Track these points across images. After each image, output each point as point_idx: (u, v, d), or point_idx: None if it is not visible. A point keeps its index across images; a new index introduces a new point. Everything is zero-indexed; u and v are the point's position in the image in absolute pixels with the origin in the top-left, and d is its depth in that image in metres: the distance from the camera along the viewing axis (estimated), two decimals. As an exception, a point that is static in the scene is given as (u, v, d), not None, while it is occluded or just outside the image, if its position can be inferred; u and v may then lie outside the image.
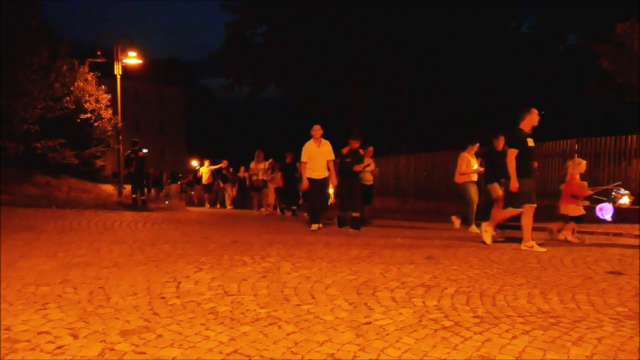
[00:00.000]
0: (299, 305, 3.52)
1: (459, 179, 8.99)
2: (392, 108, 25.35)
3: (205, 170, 17.86)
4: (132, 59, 15.65)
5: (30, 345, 2.70)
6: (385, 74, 23.16)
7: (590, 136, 11.12)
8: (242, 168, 17.24)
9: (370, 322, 3.14)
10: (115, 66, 15.09)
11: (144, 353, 2.61)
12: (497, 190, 8.68)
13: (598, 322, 3.20)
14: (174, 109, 52.64)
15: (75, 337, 2.83)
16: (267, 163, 13.16)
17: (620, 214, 9.65)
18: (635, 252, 5.93)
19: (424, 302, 3.62)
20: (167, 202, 20.45)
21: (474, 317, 3.28)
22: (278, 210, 13.70)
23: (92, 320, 3.12)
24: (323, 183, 8.21)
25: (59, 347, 2.68)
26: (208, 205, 18.16)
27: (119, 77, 15.07)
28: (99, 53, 15.63)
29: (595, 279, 4.50)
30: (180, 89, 53.73)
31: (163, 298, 3.66)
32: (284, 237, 7.42)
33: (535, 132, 6.51)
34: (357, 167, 8.93)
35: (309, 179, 8.37)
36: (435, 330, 3.01)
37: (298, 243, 6.60)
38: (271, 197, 13.33)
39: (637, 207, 9.12)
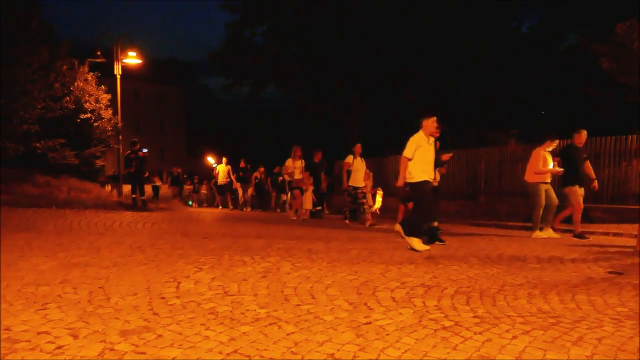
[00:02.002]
0: (299, 305, 3.52)
1: (532, 177, 7.79)
2: (392, 108, 25.35)
3: (223, 169, 16.45)
4: (132, 59, 15.65)
5: (30, 345, 2.70)
6: (386, 74, 23.17)
7: (590, 136, 11.10)
8: (262, 168, 16.00)
9: (370, 322, 3.14)
10: (115, 66, 15.10)
11: (144, 353, 2.61)
12: (578, 194, 7.71)
13: (598, 322, 3.20)
14: (174, 109, 52.64)
15: (75, 337, 2.83)
16: (303, 161, 11.67)
17: (621, 214, 9.66)
18: (635, 252, 5.93)
19: (424, 302, 3.62)
20: (190, 203, 19.92)
21: (474, 317, 3.28)
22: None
23: (92, 320, 3.12)
24: (435, 189, 6.52)
25: (59, 347, 2.68)
26: (226, 207, 16.78)
27: (119, 77, 15.08)
28: (99, 53, 15.63)
29: (595, 279, 4.50)
30: (180, 89, 53.74)
31: (163, 298, 3.66)
32: (284, 237, 7.42)
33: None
34: (446, 157, 7.61)
35: (419, 183, 6.23)
36: (435, 330, 3.01)
37: (298, 243, 6.61)
38: (309, 200, 12.07)
39: (637, 207, 9.11)
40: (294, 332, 2.94)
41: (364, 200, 10.03)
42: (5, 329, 2.93)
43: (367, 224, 9.78)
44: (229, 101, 47.61)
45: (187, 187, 21.62)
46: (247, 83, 26.96)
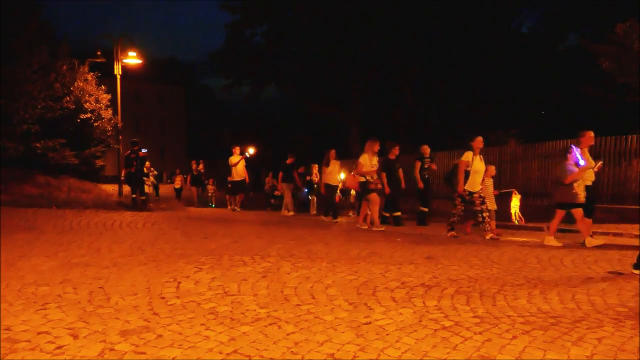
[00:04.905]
0: (299, 305, 3.52)
1: None
2: (392, 108, 25.37)
3: (241, 163, 13.46)
4: (132, 59, 15.63)
5: (30, 345, 2.70)
6: (386, 74, 23.20)
7: None
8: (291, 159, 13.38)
9: (370, 322, 3.14)
10: (115, 66, 15.09)
11: (144, 353, 2.61)
12: None
13: (598, 322, 3.20)
14: (174, 109, 52.63)
15: (75, 337, 2.83)
16: (377, 158, 9.41)
17: (621, 214, 9.65)
18: (635, 252, 5.93)
19: (424, 302, 3.62)
20: (212, 205, 19.09)
21: (474, 317, 3.28)
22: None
23: (92, 320, 3.12)
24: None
25: (59, 347, 2.68)
26: (238, 208, 14.12)
27: (119, 77, 15.07)
28: (99, 53, 15.66)
29: (595, 279, 4.50)
30: (180, 89, 53.72)
31: (163, 298, 3.66)
32: (284, 237, 7.42)
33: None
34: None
35: None
36: (435, 330, 3.01)
37: (298, 243, 6.60)
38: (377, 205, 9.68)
39: (637, 207, 9.11)
40: (294, 332, 2.94)
41: (484, 207, 7.78)
42: (5, 329, 2.93)
43: (488, 236, 7.56)
44: (229, 101, 47.69)
45: (211, 188, 19.05)
46: (247, 83, 27.02)
